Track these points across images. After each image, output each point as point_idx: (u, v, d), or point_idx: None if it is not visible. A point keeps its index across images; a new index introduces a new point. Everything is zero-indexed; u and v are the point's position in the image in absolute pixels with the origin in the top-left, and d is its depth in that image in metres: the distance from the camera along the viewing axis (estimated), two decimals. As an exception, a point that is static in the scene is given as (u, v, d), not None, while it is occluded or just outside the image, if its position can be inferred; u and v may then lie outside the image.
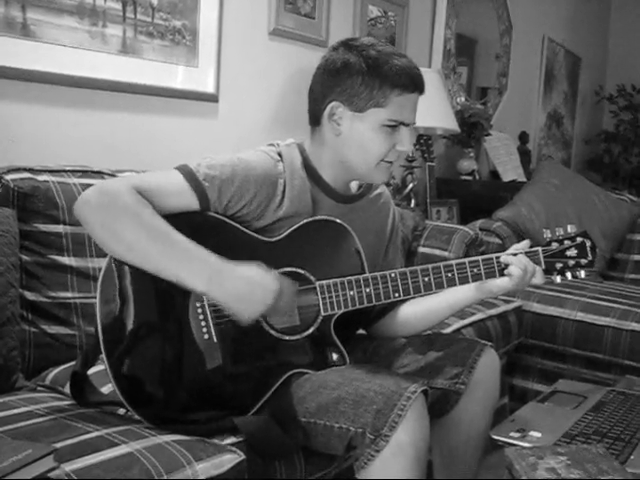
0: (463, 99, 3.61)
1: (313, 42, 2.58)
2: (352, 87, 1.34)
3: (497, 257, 1.39)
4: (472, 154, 3.52)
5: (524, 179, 3.71)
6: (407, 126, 1.38)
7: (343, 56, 1.36)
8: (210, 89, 2.23)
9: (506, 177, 3.65)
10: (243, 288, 1.20)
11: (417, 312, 1.52)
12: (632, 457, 1.33)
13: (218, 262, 1.20)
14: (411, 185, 2.93)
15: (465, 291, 1.45)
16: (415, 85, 1.36)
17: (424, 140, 3.01)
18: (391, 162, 1.40)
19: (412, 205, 2.89)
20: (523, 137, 4.21)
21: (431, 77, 2.87)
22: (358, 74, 1.33)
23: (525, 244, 1.43)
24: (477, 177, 3.54)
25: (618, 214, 3.07)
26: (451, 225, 2.66)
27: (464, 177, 3.50)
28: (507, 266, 1.39)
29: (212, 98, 2.24)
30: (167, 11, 2.05)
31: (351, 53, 1.35)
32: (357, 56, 1.34)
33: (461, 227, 2.56)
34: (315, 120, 1.41)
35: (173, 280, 1.19)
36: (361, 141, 1.36)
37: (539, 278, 1.39)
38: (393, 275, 1.36)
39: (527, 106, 4.50)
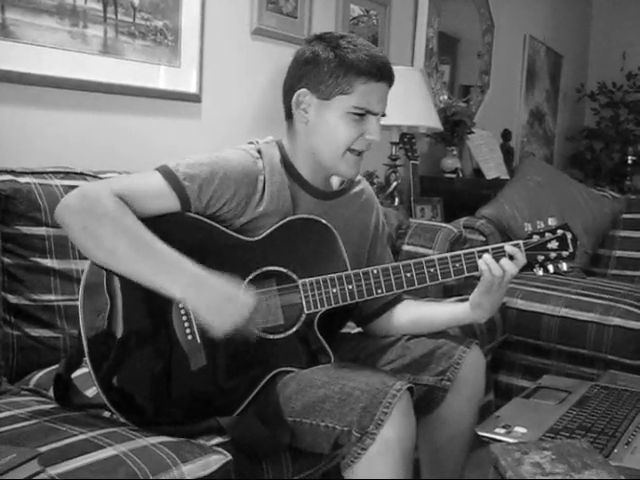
0: (446, 97, 3.62)
1: (295, 41, 2.57)
2: (318, 75, 1.35)
3: (479, 251, 1.39)
4: (455, 152, 3.53)
5: (507, 176, 3.73)
6: (375, 115, 1.38)
7: (313, 48, 1.38)
8: (193, 89, 2.22)
9: (489, 175, 3.67)
10: (217, 301, 1.20)
11: (418, 318, 1.53)
12: (615, 450, 1.35)
13: (196, 271, 1.20)
14: (395, 184, 2.93)
15: (466, 308, 1.46)
16: (381, 74, 1.36)
17: (407, 139, 3.02)
18: (360, 153, 1.40)
19: (396, 203, 2.90)
20: (506, 135, 4.24)
21: (414, 75, 2.88)
22: (324, 62, 1.35)
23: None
24: (460, 175, 3.56)
25: (600, 210, 3.10)
26: (435, 223, 2.66)
27: (448, 175, 3.51)
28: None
29: (195, 98, 2.24)
30: (148, 11, 2.04)
31: (320, 45, 1.37)
32: (325, 46, 1.36)
33: (445, 225, 2.57)
34: (288, 112, 1.42)
35: (150, 287, 1.19)
36: (328, 129, 1.37)
37: (511, 267, 1.37)
38: (375, 272, 1.37)
39: (509, 104, 4.52)
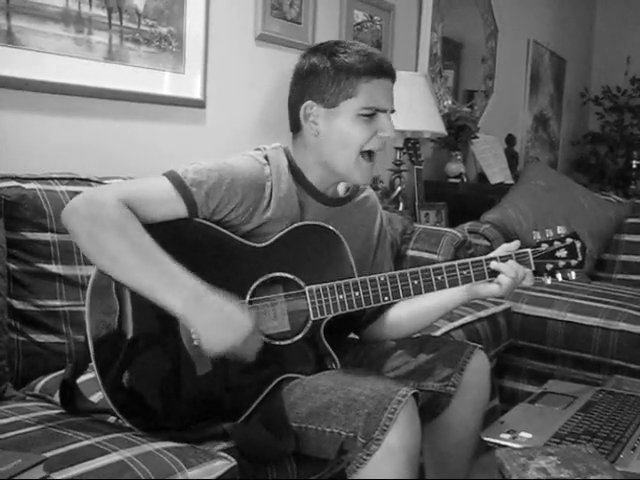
0: (450, 102, 3.63)
1: (299, 47, 2.58)
2: (320, 85, 1.36)
3: (487, 259, 1.39)
4: (459, 157, 3.53)
5: (511, 181, 3.73)
6: (384, 112, 1.39)
7: (309, 60, 1.39)
8: (197, 95, 2.22)
9: (493, 179, 3.67)
10: (216, 319, 1.19)
11: (409, 313, 1.52)
12: (621, 456, 1.34)
13: (197, 286, 1.18)
14: (399, 189, 2.94)
15: (455, 291, 1.45)
16: (382, 70, 1.37)
17: (412, 143, 3.02)
18: (373, 157, 1.40)
19: (400, 208, 2.90)
20: (510, 139, 4.24)
21: (418, 81, 2.89)
22: (324, 71, 1.36)
23: (515, 245, 1.44)
24: (465, 180, 3.56)
25: (605, 215, 3.10)
26: (439, 228, 2.67)
27: (452, 180, 3.51)
28: (497, 272, 1.39)
29: (199, 104, 2.24)
30: (153, 18, 2.04)
31: (316, 55, 1.38)
32: (321, 56, 1.37)
33: (449, 230, 2.57)
34: (295, 126, 1.42)
35: (150, 298, 1.18)
36: (340, 135, 1.37)
37: (529, 280, 1.40)
38: (382, 279, 1.36)
39: (513, 108, 4.52)
